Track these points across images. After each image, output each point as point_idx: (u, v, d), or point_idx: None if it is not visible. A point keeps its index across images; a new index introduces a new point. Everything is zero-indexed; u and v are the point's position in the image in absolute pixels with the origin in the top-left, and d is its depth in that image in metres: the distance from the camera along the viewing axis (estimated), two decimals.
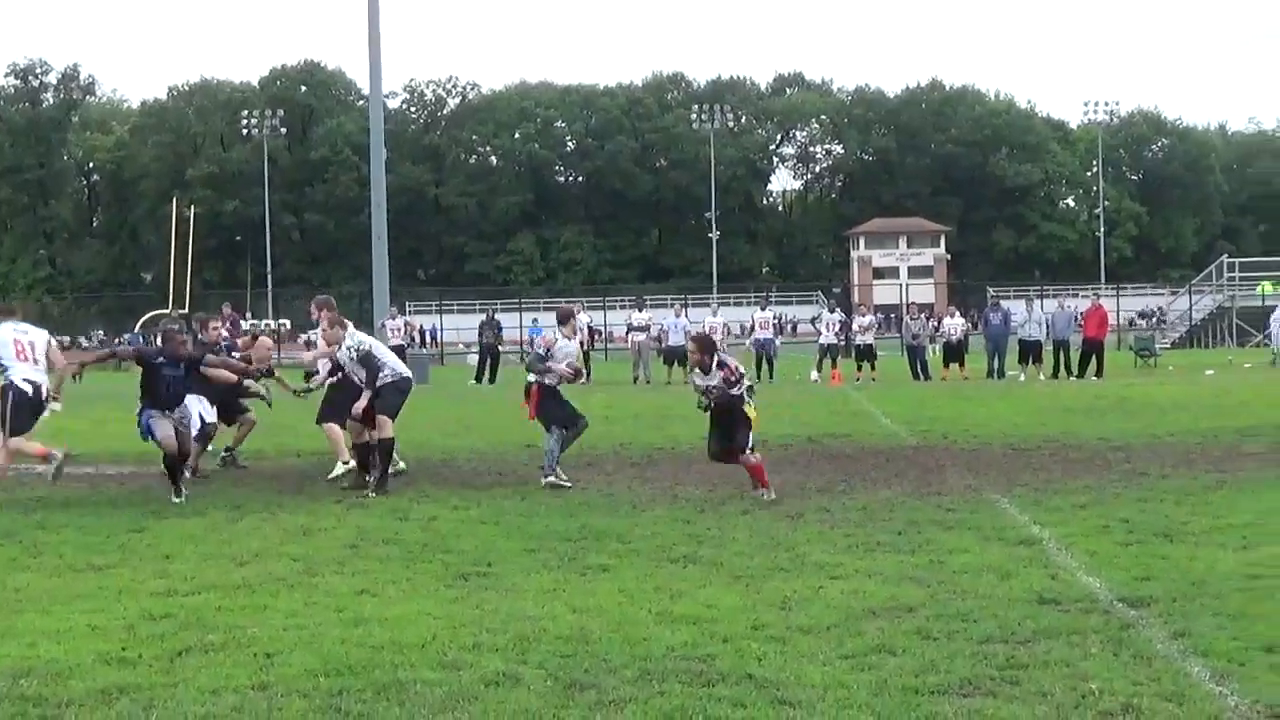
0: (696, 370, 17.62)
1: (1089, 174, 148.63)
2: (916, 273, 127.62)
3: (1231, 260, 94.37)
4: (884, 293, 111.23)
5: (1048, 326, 45.58)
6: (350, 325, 19.05)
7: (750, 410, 17.09)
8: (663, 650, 8.99)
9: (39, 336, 18.56)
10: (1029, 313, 45.78)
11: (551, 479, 17.78)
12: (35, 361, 18.23)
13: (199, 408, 18.99)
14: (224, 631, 9.77)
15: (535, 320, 63.89)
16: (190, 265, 65.28)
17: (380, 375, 18.25)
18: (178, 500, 16.34)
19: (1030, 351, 44.79)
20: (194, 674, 8.58)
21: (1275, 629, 9.19)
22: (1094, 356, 44.00)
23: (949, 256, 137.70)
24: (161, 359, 16.89)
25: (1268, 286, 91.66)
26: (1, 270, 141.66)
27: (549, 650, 9.05)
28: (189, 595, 11.08)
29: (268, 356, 21.02)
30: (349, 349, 18.55)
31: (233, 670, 8.64)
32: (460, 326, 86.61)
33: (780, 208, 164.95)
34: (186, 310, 61.96)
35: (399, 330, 51.45)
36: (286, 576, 11.89)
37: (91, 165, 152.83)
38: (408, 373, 19.16)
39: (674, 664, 8.67)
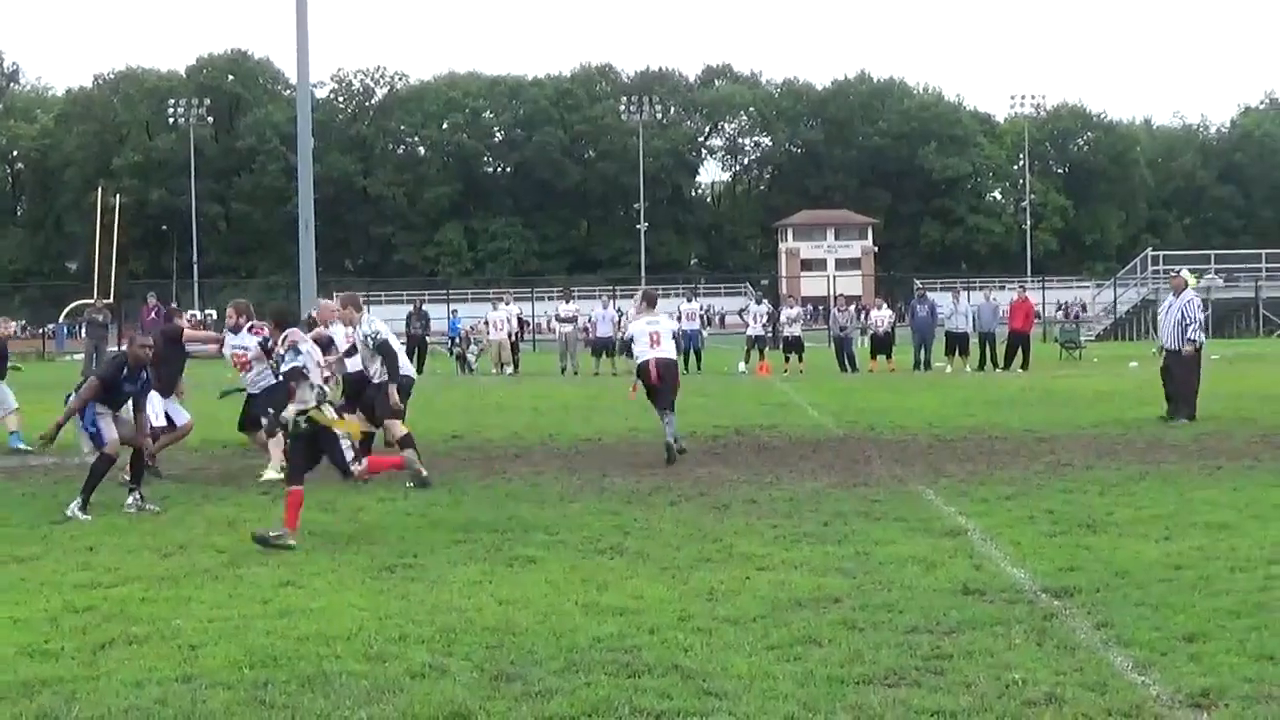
0: None
1: (1015, 167, 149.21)
2: (844, 265, 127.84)
3: (1155, 253, 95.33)
4: (812, 285, 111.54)
5: (974, 319, 45.84)
6: (368, 312, 19.07)
7: None
8: (589, 641, 8.99)
9: None
10: (955, 305, 46.06)
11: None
12: None
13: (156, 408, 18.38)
14: (148, 624, 9.73)
15: (455, 312, 63.92)
16: (116, 255, 64.59)
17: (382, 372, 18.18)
18: (85, 517, 15.06)
19: (957, 343, 45.04)
20: (117, 666, 8.54)
21: (1196, 619, 9.27)
22: (1020, 348, 44.24)
23: (876, 249, 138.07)
24: (124, 376, 15.92)
25: (1191, 279, 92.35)
26: None
27: (475, 642, 9.04)
28: (113, 587, 11.03)
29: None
30: (365, 336, 18.41)
31: (156, 663, 8.61)
32: (388, 317, 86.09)
33: (709, 199, 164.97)
34: (111, 300, 61.44)
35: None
36: (211, 568, 11.86)
37: (16, 154, 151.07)
38: (411, 372, 19.31)
39: (600, 655, 8.67)
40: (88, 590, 10.89)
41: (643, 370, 20.29)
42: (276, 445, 18.06)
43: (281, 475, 17.60)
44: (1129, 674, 8.05)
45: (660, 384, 20.12)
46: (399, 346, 19.13)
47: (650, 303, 21.42)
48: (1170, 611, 9.53)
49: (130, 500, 15.46)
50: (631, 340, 20.92)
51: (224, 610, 10.13)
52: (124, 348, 17.21)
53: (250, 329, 19.16)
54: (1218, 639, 8.76)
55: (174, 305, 34.99)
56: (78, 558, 12.38)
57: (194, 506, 15.53)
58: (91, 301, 53.37)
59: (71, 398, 16.45)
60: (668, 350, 20.75)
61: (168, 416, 18.91)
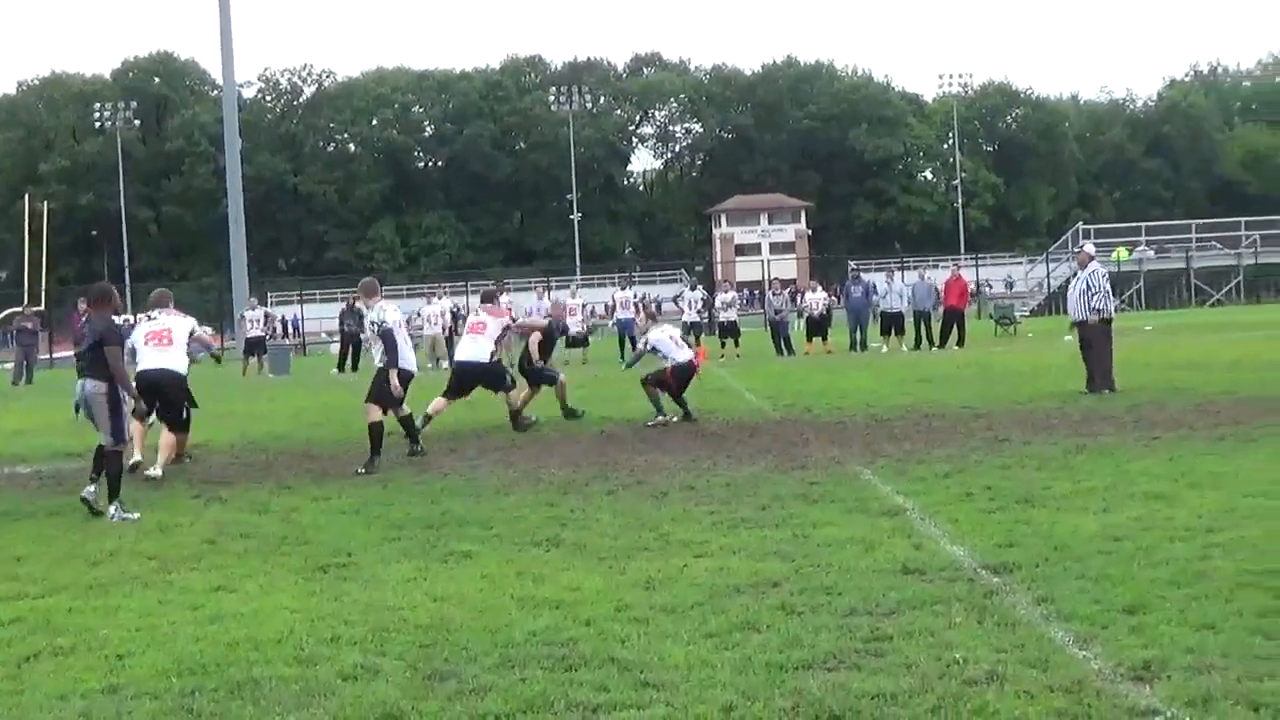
0: None
1: (945, 146, 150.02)
2: (778, 249, 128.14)
3: (1087, 227, 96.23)
4: (747, 269, 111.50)
5: (909, 298, 45.94)
6: (379, 299, 19.78)
7: None
8: (524, 636, 8.84)
9: None
10: (890, 285, 46.19)
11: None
12: None
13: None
14: (74, 634, 9.51)
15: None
16: (45, 261, 64.23)
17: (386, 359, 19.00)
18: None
19: (892, 323, 45.20)
20: (42, 679, 8.33)
21: (1135, 591, 9.19)
22: (955, 325, 44.35)
23: (810, 232, 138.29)
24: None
25: (1123, 253, 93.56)
26: None
27: (408, 640, 8.87)
28: (39, 598, 10.80)
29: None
30: (371, 322, 19.54)
31: (82, 674, 8.39)
32: (322, 316, 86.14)
33: (641, 187, 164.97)
34: (42, 307, 60.98)
35: (258, 321, 51.01)
36: (141, 575, 11.63)
37: None
38: (411, 366, 19.53)
39: (536, 649, 8.52)
40: (13, 602, 10.65)
41: (688, 369, 23.13)
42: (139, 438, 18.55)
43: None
44: (1070, 648, 7.95)
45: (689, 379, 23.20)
46: (405, 339, 19.47)
47: (654, 316, 25.32)
48: (1110, 584, 9.45)
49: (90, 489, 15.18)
50: (654, 349, 23.47)
51: (153, 618, 9.91)
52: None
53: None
54: (1158, 610, 8.68)
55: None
56: (4, 568, 12.12)
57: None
58: (20, 309, 53.00)
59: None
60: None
61: None
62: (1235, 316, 64.39)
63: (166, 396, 18.82)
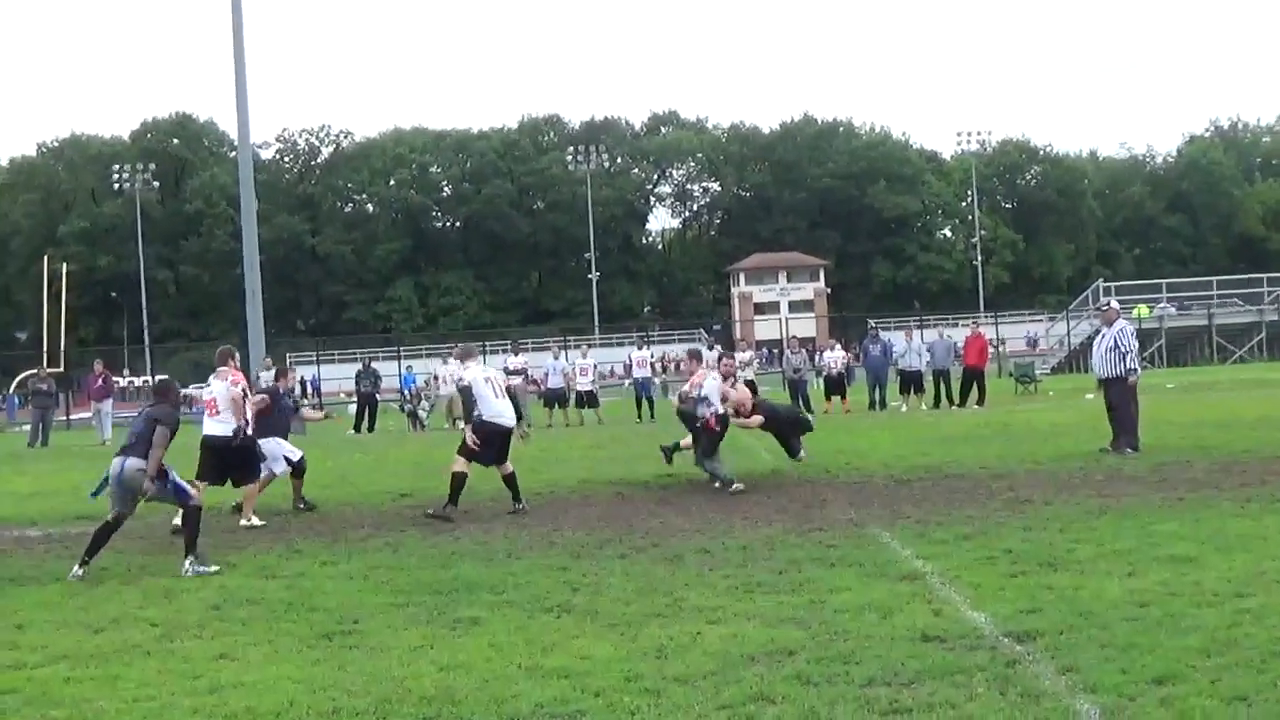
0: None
1: (964, 204, 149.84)
2: (797, 307, 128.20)
3: (1107, 284, 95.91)
4: (765, 328, 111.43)
5: (928, 356, 45.65)
6: (469, 361, 21.24)
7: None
8: (531, 707, 8.60)
9: None
10: (909, 343, 45.86)
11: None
12: None
13: (280, 450, 20.99)
14: (70, 706, 9.28)
15: (410, 367, 63.47)
16: (64, 323, 64.51)
17: (474, 414, 19.93)
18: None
19: (911, 381, 44.84)
20: None
21: (1164, 661, 8.90)
22: (975, 384, 44.03)
23: (828, 290, 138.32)
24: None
25: (1144, 310, 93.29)
26: None
27: (411, 712, 8.65)
28: (38, 668, 10.56)
29: None
30: (456, 380, 21.58)
31: None
32: (340, 376, 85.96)
33: (660, 246, 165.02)
34: (61, 369, 61.08)
35: (273, 381, 50.86)
36: (143, 643, 11.38)
37: None
38: (499, 419, 20.03)
39: None
40: (12, 671, 10.42)
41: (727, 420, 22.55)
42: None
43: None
44: None
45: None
46: (490, 392, 20.11)
47: (700, 359, 24.35)
48: (1137, 653, 9.17)
49: (78, 569, 15.08)
50: (705, 399, 22.28)
51: (151, 689, 9.66)
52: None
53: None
54: (1188, 680, 8.40)
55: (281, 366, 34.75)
56: (5, 636, 11.88)
57: (131, 578, 15.01)
58: (36, 371, 53.03)
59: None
60: None
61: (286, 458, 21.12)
62: (1258, 374, 63.88)
63: (224, 459, 19.45)
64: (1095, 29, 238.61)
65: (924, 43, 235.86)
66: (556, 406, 45.19)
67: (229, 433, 19.36)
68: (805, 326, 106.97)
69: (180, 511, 16.39)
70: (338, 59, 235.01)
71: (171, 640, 11.45)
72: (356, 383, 49.81)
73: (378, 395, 47.91)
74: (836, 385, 46.08)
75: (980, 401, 43.26)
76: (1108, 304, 27.79)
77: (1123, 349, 25.24)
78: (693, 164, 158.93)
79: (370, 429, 45.93)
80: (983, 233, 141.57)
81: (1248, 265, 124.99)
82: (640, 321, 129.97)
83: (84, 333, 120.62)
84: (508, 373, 48.54)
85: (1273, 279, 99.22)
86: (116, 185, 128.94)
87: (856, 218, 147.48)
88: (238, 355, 21.09)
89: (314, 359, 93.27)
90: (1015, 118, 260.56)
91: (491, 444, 19.75)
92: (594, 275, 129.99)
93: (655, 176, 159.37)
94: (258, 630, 11.69)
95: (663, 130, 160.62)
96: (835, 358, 47.26)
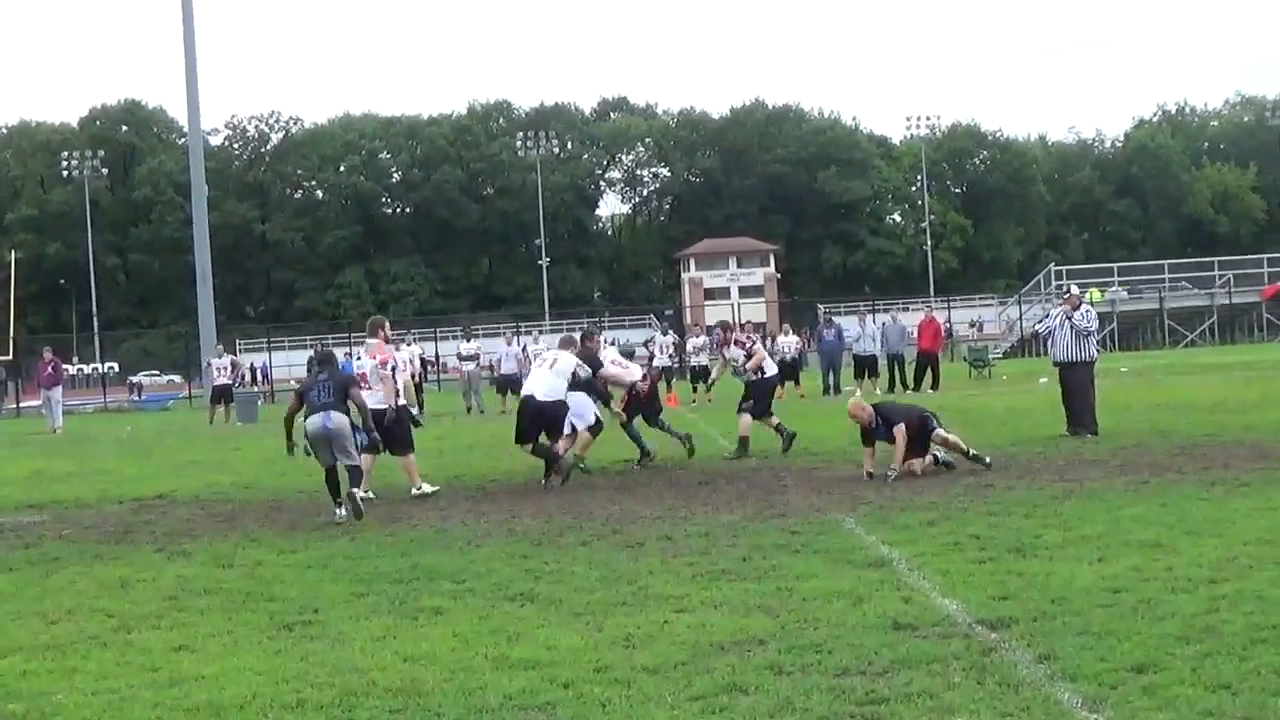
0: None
1: (914, 189, 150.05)
2: (747, 292, 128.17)
3: (1059, 268, 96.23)
4: (716, 313, 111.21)
5: (881, 341, 45.62)
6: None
7: None
8: (499, 699, 8.38)
9: None
10: (862, 328, 45.84)
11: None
12: None
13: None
14: (27, 700, 9.04)
15: (350, 354, 62.88)
16: (13, 311, 63.92)
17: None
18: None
19: (865, 366, 44.84)
20: None
21: (1143, 648, 8.73)
22: (929, 368, 44.04)
23: (779, 275, 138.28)
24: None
25: (1096, 294, 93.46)
26: None
27: (378, 705, 8.41)
28: None
29: None
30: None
31: None
32: (291, 363, 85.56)
33: (610, 232, 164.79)
34: (10, 356, 60.53)
35: (225, 369, 50.46)
36: (100, 634, 11.14)
37: None
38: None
39: (511, 714, 8.10)
40: None
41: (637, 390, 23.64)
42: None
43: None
44: (1080, 711, 7.49)
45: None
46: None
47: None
48: (1114, 640, 8.98)
49: (340, 511, 17.58)
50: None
51: (110, 681, 9.42)
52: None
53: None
54: (1169, 669, 8.22)
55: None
56: None
57: (85, 568, 14.76)
58: None
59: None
60: None
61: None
62: (1210, 357, 64.24)
63: (383, 429, 19.83)
64: (1045, 13, 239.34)
65: (874, 28, 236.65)
66: (510, 392, 44.95)
67: (380, 406, 19.86)
68: (756, 312, 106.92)
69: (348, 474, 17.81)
70: (287, 45, 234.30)
71: (129, 631, 11.21)
72: (308, 369, 49.24)
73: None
74: (790, 371, 45.93)
75: (934, 386, 43.30)
76: (1068, 289, 27.77)
77: (1081, 332, 25.24)
78: (642, 150, 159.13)
79: None
80: (932, 217, 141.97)
81: (1196, 249, 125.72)
82: (590, 307, 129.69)
83: (32, 320, 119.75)
84: (460, 358, 48.56)
85: (1224, 263, 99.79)
86: (65, 172, 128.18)
87: (806, 203, 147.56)
88: (388, 325, 21.37)
89: (265, 346, 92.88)
90: (965, 103, 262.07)
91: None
92: (544, 261, 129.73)
93: (605, 162, 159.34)
94: (216, 621, 11.45)
95: (612, 116, 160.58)
96: (789, 343, 47.25)
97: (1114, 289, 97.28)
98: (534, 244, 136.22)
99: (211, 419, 47.81)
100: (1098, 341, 26.61)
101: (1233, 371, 45.93)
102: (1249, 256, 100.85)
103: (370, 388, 19.89)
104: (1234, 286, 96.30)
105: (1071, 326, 25.30)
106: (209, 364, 52.20)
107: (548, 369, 21.46)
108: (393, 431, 20.02)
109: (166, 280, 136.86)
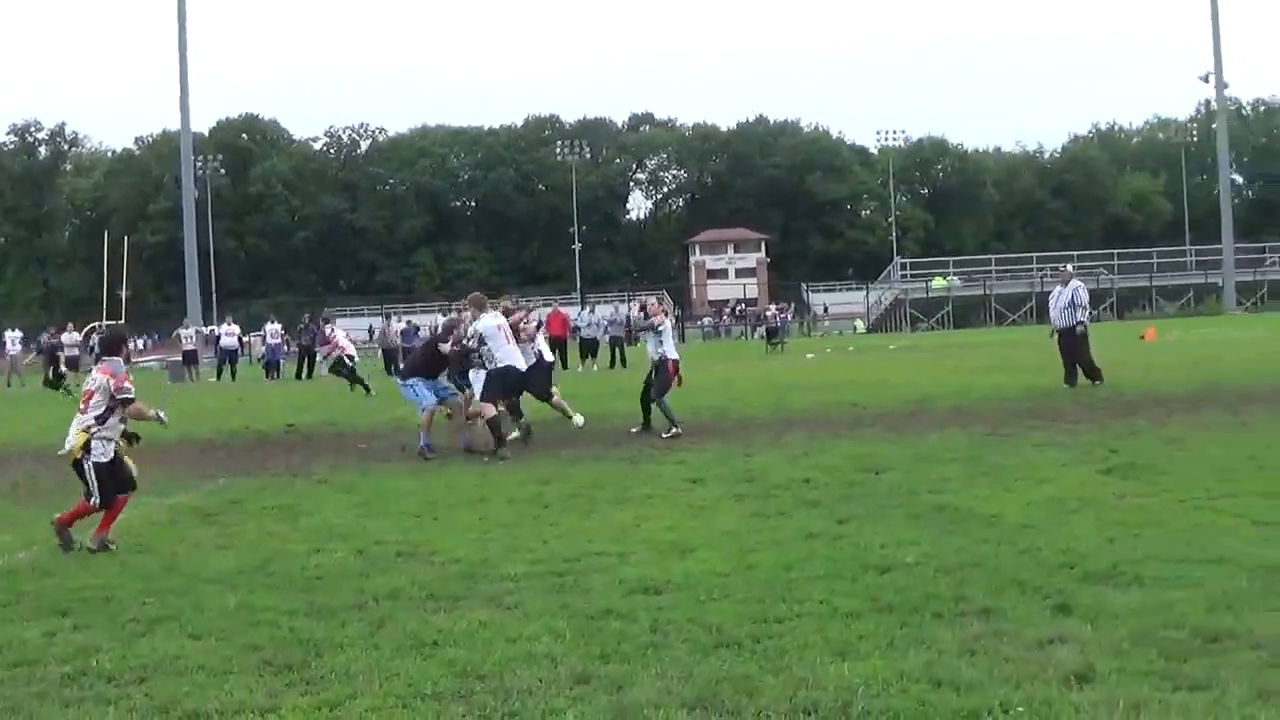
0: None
1: (885, 190, 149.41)
2: (743, 273, 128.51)
3: (904, 261, 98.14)
4: (717, 290, 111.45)
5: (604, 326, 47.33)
6: (481, 311, 19.23)
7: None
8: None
9: None
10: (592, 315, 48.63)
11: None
12: None
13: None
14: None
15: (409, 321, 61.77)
16: (126, 284, 65.74)
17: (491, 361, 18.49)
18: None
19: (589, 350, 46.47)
20: None
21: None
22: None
23: (770, 259, 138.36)
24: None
25: (939, 281, 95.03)
26: (4, 291, 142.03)
27: None
28: None
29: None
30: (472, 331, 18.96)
31: None
32: (366, 328, 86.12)
33: (636, 221, 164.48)
34: (124, 321, 61.30)
35: (191, 338, 50.99)
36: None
37: (75, 205, 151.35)
38: (512, 361, 18.83)
39: None
40: None
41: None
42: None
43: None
44: None
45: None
46: (503, 338, 18.87)
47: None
48: None
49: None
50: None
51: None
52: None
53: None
54: None
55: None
56: None
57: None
58: (96, 324, 52.80)
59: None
60: None
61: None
62: (989, 337, 62.14)
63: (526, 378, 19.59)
64: (998, 45, 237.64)
65: (856, 58, 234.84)
66: (591, 355, 45.62)
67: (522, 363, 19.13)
68: (750, 290, 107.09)
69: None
70: (377, 66, 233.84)
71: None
72: (298, 335, 47.88)
73: (315, 348, 44.00)
74: (774, 334, 47.65)
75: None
76: (1065, 268, 27.93)
77: (1076, 304, 25.28)
78: (664, 156, 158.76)
79: (309, 376, 44.48)
80: (899, 214, 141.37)
81: (1118, 242, 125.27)
82: (619, 284, 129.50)
83: (169, 291, 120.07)
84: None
85: (1042, 257, 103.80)
86: (197, 172, 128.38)
87: (796, 200, 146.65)
88: (485, 301, 19.80)
89: (350, 313, 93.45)
90: (930, 119, 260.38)
91: (505, 384, 18.71)
92: (577, 246, 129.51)
93: (633, 166, 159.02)
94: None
95: (640, 128, 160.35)
96: (774, 312, 48.43)
97: (950, 277, 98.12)
98: (570, 231, 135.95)
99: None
100: (1088, 310, 26.01)
101: (964, 351, 44.45)
102: (1066, 252, 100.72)
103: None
104: (1047, 276, 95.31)
105: (1073, 299, 25.28)
106: (177, 334, 53.42)
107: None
108: (534, 373, 20.17)
109: (274, 259, 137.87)
